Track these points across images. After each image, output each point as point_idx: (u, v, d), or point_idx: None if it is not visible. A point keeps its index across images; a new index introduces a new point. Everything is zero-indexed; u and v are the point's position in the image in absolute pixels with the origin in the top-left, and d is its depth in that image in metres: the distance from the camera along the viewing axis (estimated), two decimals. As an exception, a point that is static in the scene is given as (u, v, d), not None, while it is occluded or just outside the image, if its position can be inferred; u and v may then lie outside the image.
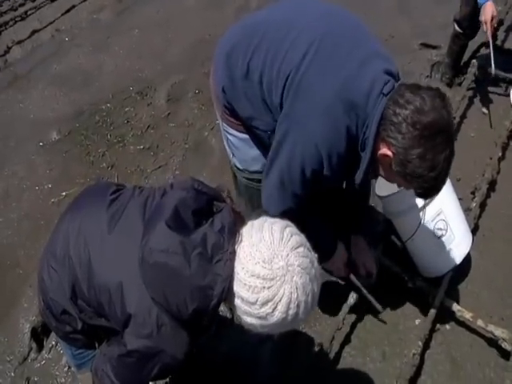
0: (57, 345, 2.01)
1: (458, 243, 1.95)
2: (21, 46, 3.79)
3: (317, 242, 1.65)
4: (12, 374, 1.97)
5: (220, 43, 1.60)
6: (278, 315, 0.93)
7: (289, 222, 1.03)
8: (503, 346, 1.81)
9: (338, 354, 1.91)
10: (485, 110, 2.89)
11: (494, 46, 2.69)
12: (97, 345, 1.25)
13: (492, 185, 2.44)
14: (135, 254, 1.02)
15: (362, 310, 2.00)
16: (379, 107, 1.23)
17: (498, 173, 2.50)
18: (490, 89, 2.99)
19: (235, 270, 0.96)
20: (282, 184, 1.45)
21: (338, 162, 1.35)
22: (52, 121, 3.11)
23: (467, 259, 2.04)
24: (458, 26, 2.78)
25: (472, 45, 3.06)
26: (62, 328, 1.23)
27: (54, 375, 1.96)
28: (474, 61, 2.96)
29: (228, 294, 0.97)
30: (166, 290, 0.99)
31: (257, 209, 1.84)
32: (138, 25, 3.92)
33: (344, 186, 1.85)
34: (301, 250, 0.97)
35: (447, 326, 1.98)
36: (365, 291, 1.90)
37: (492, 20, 2.47)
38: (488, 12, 2.46)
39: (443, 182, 1.29)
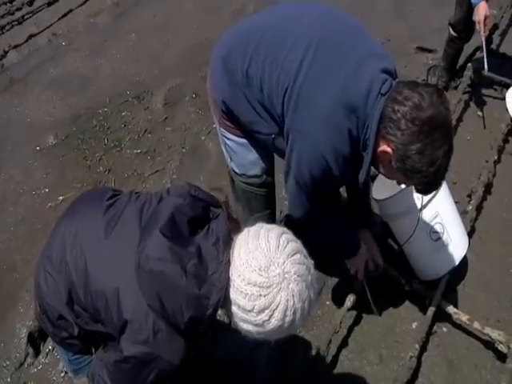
0: (53, 350, 2.00)
1: (455, 246, 1.95)
2: (17, 50, 3.79)
3: (342, 241, 1.65)
4: (8, 380, 1.96)
5: (216, 47, 1.60)
6: (274, 322, 0.94)
7: (285, 229, 1.03)
8: (499, 348, 1.82)
9: (336, 357, 1.91)
10: (480, 113, 2.90)
11: (488, 47, 2.71)
12: (93, 350, 1.25)
13: (488, 188, 2.45)
14: (132, 260, 1.03)
15: (359, 313, 2.00)
16: (378, 107, 1.24)
17: (494, 176, 2.51)
18: (486, 92, 3.01)
19: (232, 277, 0.96)
20: (300, 189, 1.49)
21: (345, 165, 1.38)
22: (49, 125, 3.10)
23: (464, 262, 2.05)
24: (453, 29, 2.80)
25: (468, 48, 3.08)
26: (58, 333, 1.23)
27: (50, 380, 1.95)
28: (470, 64, 2.98)
29: (225, 302, 0.97)
30: (161, 298, 0.99)
31: (254, 213, 1.84)
32: (135, 29, 3.92)
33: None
34: (297, 256, 0.97)
35: (444, 329, 1.98)
36: (369, 293, 1.91)
37: (485, 20, 2.49)
38: (481, 12, 2.48)
39: (442, 177, 1.30)
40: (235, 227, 1.05)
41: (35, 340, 2.06)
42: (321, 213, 1.59)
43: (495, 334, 1.83)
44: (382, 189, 1.87)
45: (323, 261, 1.69)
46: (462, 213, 2.21)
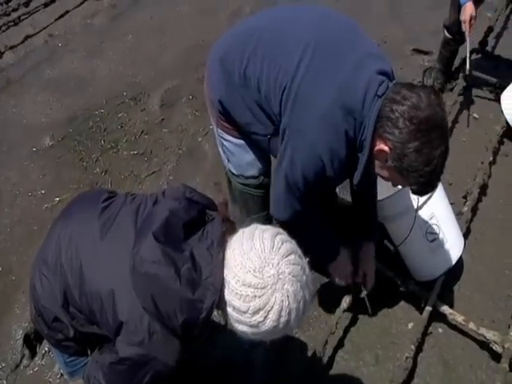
0: (49, 352, 2.00)
1: (450, 247, 1.96)
2: (14, 51, 3.78)
3: (319, 245, 1.61)
4: (4, 382, 1.96)
5: (213, 48, 1.61)
6: (269, 323, 0.94)
7: (280, 230, 1.03)
8: (494, 348, 1.83)
9: (332, 358, 1.92)
10: (476, 115, 2.92)
11: (472, 45, 2.73)
12: (89, 352, 1.25)
13: (483, 189, 2.47)
14: (127, 262, 1.03)
15: (355, 314, 2.01)
16: (375, 109, 1.26)
17: (490, 177, 2.53)
18: (481, 94, 3.03)
19: (227, 278, 0.96)
20: (289, 189, 1.48)
21: (339, 166, 1.38)
22: (45, 126, 3.10)
23: (459, 263, 2.06)
24: (448, 31, 2.82)
25: (463, 50, 3.09)
26: (53, 335, 1.23)
27: (46, 382, 1.95)
28: (466, 66, 2.99)
29: (220, 303, 0.97)
30: (156, 300, 0.99)
31: (251, 214, 1.85)
32: (132, 30, 3.92)
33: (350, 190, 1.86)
34: (292, 257, 0.97)
35: (439, 330, 2.00)
36: (365, 294, 1.91)
37: (471, 20, 2.53)
38: (467, 12, 2.51)
39: (438, 178, 1.31)
40: (230, 228, 1.05)
41: (31, 342, 2.06)
42: (303, 215, 1.56)
43: (490, 335, 1.84)
44: (378, 190, 1.88)
45: (318, 261, 1.70)
46: (458, 214, 2.22)
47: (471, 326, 1.88)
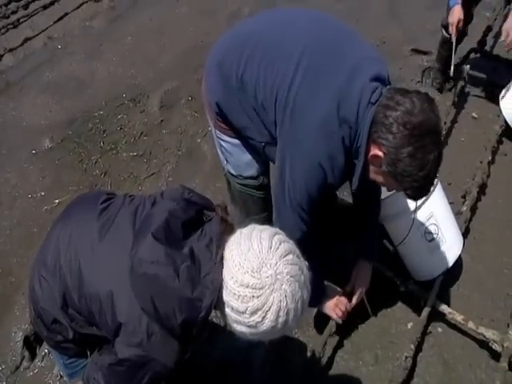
0: (49, 353, 2.00)
1: (449, 246, 1.97)
2: (13, 54, 3.79)
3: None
4: (4, 383, 1.96)
5: (212, 51, 1.61)
6: (267, 323, 0.94)
7: (278, 230, 1.04)
8: (494, 347, 1.83)
9: (331, 358, 1.92)
10: (475, 114, 2.92)
11: (456, 48, 2.76)
12: (88, 354, 1.25)
13: (482, 188, 2.47)
14: (125, 264, 1.03)
15: (354, 314, 2.01)
16: (368, 116, 1.27)
17: (488, 176, 2.53)
18: (480, 93, 3.03)
19: (225, 279, 0.97)
20: (295, 214, 1.49)
21: (340, 173, 1.39)
22: (44, 128, 3.11)
23: (458, 262, 2.06)
24: (446, 30, 2.82)
25: (462, 50, 3.10)
26: (53, 337, 1.23)
27: (46, 384, 1.95)
28: (464, 66, 2.99)
29: (218, 303, 0.98)
30: (155, 301, 1.00)
31: (251, 215, 1.85)
32: (131, 32, 3.93)
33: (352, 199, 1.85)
34: (290, 257, 0.97)
35: (439, 329, 2.00)
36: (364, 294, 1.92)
37: (458, 23, 2.55)
38: (455, 15, 2.55)
39: (432, 183, 1.32)
40: (229, 229, 1.05)
41: (31, 343, 2.06)
42: (310, 235, 1.55)
43: (489, 334, 1.84)
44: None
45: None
46: (457, 213, 2.22)
47: (470, 325, 1.88)
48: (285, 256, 0.96)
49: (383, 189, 1.80)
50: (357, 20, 3.80)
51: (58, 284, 1.15)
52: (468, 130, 2.84)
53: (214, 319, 1.90)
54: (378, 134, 1.25)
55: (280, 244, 0.98)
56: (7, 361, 2.01)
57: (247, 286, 0.93)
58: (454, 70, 2.74)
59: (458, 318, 1.91)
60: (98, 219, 1.15)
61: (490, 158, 2.56)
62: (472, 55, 3.17)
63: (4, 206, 2.66)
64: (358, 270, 1.88)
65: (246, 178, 1.73)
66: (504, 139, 2.76)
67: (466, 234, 2.25)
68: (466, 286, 2.12)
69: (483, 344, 1.89)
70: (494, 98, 2.90)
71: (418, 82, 3.22)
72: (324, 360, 1.90)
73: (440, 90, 3.10)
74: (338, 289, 1.90)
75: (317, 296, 1.78)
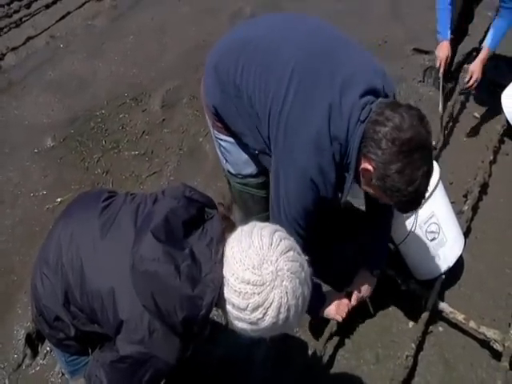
0: (51, 351, 2.01)
1: (451, 246, 1.97)
2: (15, 53, 3.80)
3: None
4: (6, 381, 1.96)
5: (210, 52, 1.61)
6: (268, 320, 0.94)
7: (278, 227, 1.04)
8: (495, 346, 1.83)
9: (332, 356, 1.93)
10: (476, 114, 2.92)
11: (444, 86, 2.72)
12: (90, 351, 1.25)
13: (484, 188, 2.47)
14: (127, 261, 1.03)
15: (355, 313, 2.01)
16: (358, 134, 1.28)
17: (490, 176, 2.53)
18: (482, 93, 3.02)
19: (226, 276, 0.97)
20: (286, 217, 1.49)
21: (332, 187, 1.41)
22: (47, 127, 3.11)
23: (459, 261, 2.06)
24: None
25: (463, 50, 3.10)
26: (55, 335, 1.23)
27: (48, 382, 1.95)
28: (466, 65, 2.99)
29: (219, 301, 0.98)
30: (156, 298, 1.00)
31: (252, 215, 1.85)
32: (133, 31, 3.94)
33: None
34: (290, 254, 0.97)
35: (440, 328, 2.00)
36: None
37: (446, 60, 2.56)
38: (444, 51, 2.56)
39: (422, 197, 1.32)
40: (230, 226, 1.06)
41: (33, 341, 2.07)
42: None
43: (491, 333, 1.84)
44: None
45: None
46: (458, 213, 2.22)
47: (472, 324, 1.88)
48: (285, 253, 0.97)
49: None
50: (359, 20, 3.80)
51: (59, 282, 1.15)
52: (470, 130, 2.83)
53: (216, 317, 1.91)
54: (367, 148, 1.26)
55: (280, 241, 0.98)
56: (9, 358, 2.02)
57: (248, 283, 0.93)
58: (444, 107, 2.68)
59: (460, 317, 1.91)
60: (100, 217, 1.16)
61: (491, 157, 2.57)
62: (474, 54, 3.16)
63: (6, 204, 2.66)
64: (361, 277, 1.88)
65: (246, 176, 1.73)
66: (506, 139, 2.76)
67: (467, 233, 2.25)
68: (467, 286, 2.12)
69: (484, 343, 1.89)
70: (495, 98, 2.90)
71: (420, 81, 3.22)
72: (325, 358, 1.90)
73: (442, 89, 3.10)
74: (336, 292, 1.90)
75: (317, 304, 1.78)
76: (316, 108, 1.32)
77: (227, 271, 0.97)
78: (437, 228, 1.92)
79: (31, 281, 1.24)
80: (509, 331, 1.84)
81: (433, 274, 2.00)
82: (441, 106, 2.65)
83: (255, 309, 0.94)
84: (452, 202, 2.07)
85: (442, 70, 2.62)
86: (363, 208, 1.80)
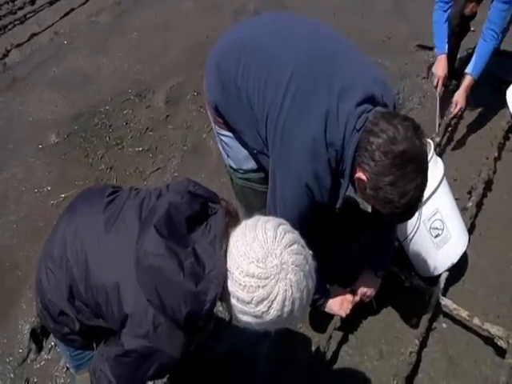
0: (56, 346, 2.02)
1: (455, 242, 1.96)
2: (20, 50, 3.81)
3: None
4: (11, 375, 1.98)
5: (213, 49, 1.62)
6: (273, 313, 0.95)
7: (282, 220, 1.04)
8: (499, 343, 1.82)
9: (336, 352, 1.93)
10: (481, 110, 2.90)
11: (441, 105, 2.65)
12: (95, 346, 1.26)
13: (488, 184, 2.46)
14: (131, 255, 1.04)
15: (359, 309, 2.01)
16: (353, 142, 1.28)
17: (495, 173, 2.52)
18: (486, 89, 3.01)
19: (230, 269, 0.97)
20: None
21: (327, 192, 1.41)
22: (51, 123, 3.12)
23: (464, 258, 2.06)
24: (448, 24, 2.80)
25: (468, 45, 3.08)
26: (59, 329, 1.24)
27: (53, 376, 1.97)
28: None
29: (223, 294, 0.98)
30: (159, 293, 1.00)
31: (254, 210, 1.84)
32: (137, 27, 3.94)
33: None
34: (294, 247, 0.98)
35: (444, 325, 1.99)
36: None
37: (444, 78, 2.55)
38: (441, 68, 2.54)
39: (415, 208, 1.32)
40: (233, 221, 1.06)
41: (38, 336, 2.08)
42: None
43: (495, 330, 1.83)
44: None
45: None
46: (462, 209, 2.21)
47: (476, 321, 1.88)
48: (290, 246, 0.97)
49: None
50: (362, 16, 3.79)
51: (64, 276, 1.16)
52: (474, 126, 2.82)
53: (220, 314, 1.91)
54: (361, 158, 1.27)
55: (285, 234, 0.98)
56: (14, 353, 2.03)
57: (253, 276, 0.94)
58: (440, 124, 2.63)
59: (463, 313, 1.91)
60: (104, 212, 1.16)
61: (496, 154, 2.55)
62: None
63: (11, 200, 2.68)
64: (365, 278, 1.88)
65: (247, 171, 1.73)
66: (511, 135, 2.74)
67: (471, 229, 2.24)
68: (471, 282, 2.11)
69: (488, 340, 1.89)
70: (500, 94, 2.88)
71: (424, 77, 3.20)
72: (329, 354, 1.90)
73: (446, 86, 3.08)
74: (341, 288, 1.90)
75: (320, 298, 1.78)
76: (313, 114, 1.33)
77: (231, 265, 0.97)
78: (441, 224, 1.92)
79: (36, 276, 1.24)
80: (513, 328, 1.84)
81: (437, 271, 1.99)
82: (437, 126, 2.62)
83: (260, 302, 0.94)
84: (456, 199, 2.06)
85: (439, 89, 2.60)
86: (369, 209, 1.80)
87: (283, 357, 1.93)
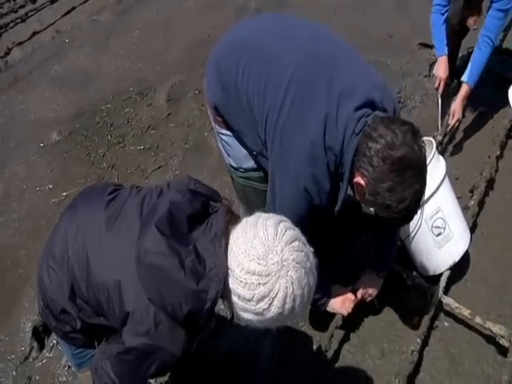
0: (58, 344, 2.02)
1: (457, 241, 1.96)
2: (21, 48, 3.82)
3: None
4: (13, 373, 1.98)
5: (213, 49, 1.61)
6: (274, 310, 0.94)
7: (283, 217, 1.04)
8: (501, 342, 1.82)
9: (337, 351, 1.92)
10: (483, 108, 2.89)
11: (443, 107, 2.62)
12: (96, 344, 1.26)
13: (490, 183, 2.45)
14: (132, 253, 1.04)
15: (361, 307, 2.01)
16: (352, 146, 1.28)
17: (497, 171, 2.51)
18: (489, 88, 3.00)
19: (231, 267, 0.97)
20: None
21: (326, 196, 1.41)
22: (52, 121, 3.13)
23: (465, 257, 2.05)
24: (448, 23, 2.79)
25: (470, 43, 3.07)
26: (61, 327, 1.24)
27: (55, 374, 1.97)
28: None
29: (224, 292, 0.98)
30: (160, 291, 1.00)
31: (255, 208, 1.84)
32: (138, 26, 3.94)
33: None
34: (295, 244, 0.97)
35: (445, 323, 1.99)
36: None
37: (446, 79, 2.52)
38: (442, 70, 2.50)
39: (413, 213, 1.33)
40: (234, 219, 1.06)
41: (40, 334, 2.09)
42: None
43: (496, 329, 1.83)
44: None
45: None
46: (464, 208, 2.21)
47: (477, 320, 1.87)
48: (290, 243, 0.97)
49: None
50: (364, 14, 3.78)
51: (66, 274, 1.16)
52: (476, 125, 2.81)
53: (221, 312, 1.92)
54: (360, 163, 1.27)
55: (286, 231, 0.98)
56: (17, 351, 2.04)
57: (253, 274, 0.93)
58: (442, 133, 2.59)
59: (465, 312, 1.91)
60: (105, 210, 1.16)
61: (498, 152, 2.54)
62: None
63: (13, 198, 2.68)
64: (367, 278, 1.88)
65: (247, 170, 1.73)
66: (513, 134, 2.74)
67: (473, 228, 2.23)
68: (473, 281, 2.11)
69: (490, 339, 1.88)
70: (502, 92, 2.88)
71: (426, 76, 3.19)
72: (330, 353, 1.90)
73: (448, 84, 3.07)
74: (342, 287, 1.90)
75: (322, 297, 1.78)
76: (312, 118, 1.32)
77: (232, 262, 0.97)
78: (443, 223, 1.91)
79: (37, 274, 1.24)
80: (515, 327, 1.84)
81: (438, 270, 1.99)
82: (439, 126, 2.61)
83: (261, 299, 0.94)
84: (458, 198, 2.05)
85: (440, 90, 2.58)
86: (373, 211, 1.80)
87: (285, 355, 1.93)
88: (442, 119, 2.63)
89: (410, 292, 2.04)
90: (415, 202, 1.27)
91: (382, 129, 1.23)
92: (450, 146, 2.71)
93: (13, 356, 2.03)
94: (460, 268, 2.08)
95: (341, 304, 1.81)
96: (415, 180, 1.23)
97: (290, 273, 0.94)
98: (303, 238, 1.01)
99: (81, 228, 1.17)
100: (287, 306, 0.95)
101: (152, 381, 1.80)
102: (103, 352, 1.16)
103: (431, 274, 2.01)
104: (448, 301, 1.95)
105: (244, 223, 1.02)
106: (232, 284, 0.97)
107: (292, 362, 1.91)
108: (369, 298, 1.89)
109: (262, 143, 1.50)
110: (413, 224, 1.87)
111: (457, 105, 2.48)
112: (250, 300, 0.95)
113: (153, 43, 3.73)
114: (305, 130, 1.33)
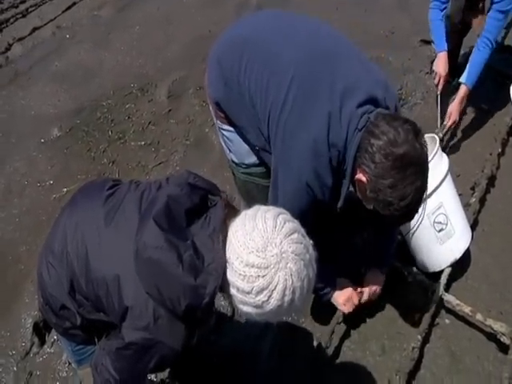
0: (58, 339, 2.02)
1: (458, 238, 1.96)
2: (22, 43, 3.81)
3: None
4: (14, 369, 1.99)
5: (215, 44, 1.61)
6: (273, 303, 0.94)
7: (282, 210, 1.04)
8: (502, 339, 1.82)
9: (338, 348, 1.92)
10: (485, 105, 2.89)
11: (443, 106, 2.61)
12: (96, 340, 1.26)
13: (491, 180, 2.45)
14: (131, 248, 1.03)
15: (361, 304, 2.01)
16: (355, 142, 1.28)
17: (498, 168, 2.51)
18: (490, 85, 2.99)
19: (230, 259, 0.97)
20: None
21: (329, 191, 1.41)
22: (53, 117, 3.12)
23: (466, 254, 2.05)
24: (449, 21, 2.78)
25: (471, 41, 3.06)
26: (61, 324, 1.24)
27: (55, 369, 1.97)
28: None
29: (223, 285, 0.98)
30: (159, 286, 1.00)
31: (256, 203, 1.84)
32: (139, 21, 3.93)
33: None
34: (295, 236, 0.97)
35: (446, 320, 1.99)
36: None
37: (446, 76, 2.50)
38: (442, 66, 2.49)
39: (414, 211, 1.32)
40: (233, 212, 1.05)
41: (40, 330, 2.09)
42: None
43: (497, 326, 1.83)
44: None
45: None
46: (466, 205, 2.20)
47: (478, 317, 1.87)
48: (290, 235, 0.96)
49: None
50: (365, 10, 3.77)
51: (65, 270, 1.16)
52: (478, 122, 2.81)
53: (222, 308, 1.91)
54: (362, 160, 1.27)
55: (285, 223, 0.97)
56: (17, 347, 2.04)
57: (252, 266, 0.93)
58: (442, 131, 2.55)
59: (466, 309, 1.90)
60: (104, 205, 1.16)
61: (499, 149, 2.54)
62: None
63: (13, 194, 2.68)
64: (371, 276, 1.88)
65: (249, 165, 1.73)
66: (514, 131, 2.73)
67: (474, 225, 2.23)
68: (474, 278, 2.11)
69: (491, 336, 1.88)
70: (504, 89, 2.87)
71: (427, 72, 3.18)
72: (331, 350, 1.90)
73: (449, 82, 3.07)
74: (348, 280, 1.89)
75: (326, 288, 1.77)
76: (315, 115, 1.32)
77: (231, 255, 0.96)
78: (445, 219, 1.91)
79: (37, 270, 1.24)
80: (516, 324, 1.84)
81: (439, 266, 1.99)
82: (439, 123, 2.60)
83: (260, 292, 0.93)
84: (459, 195, 2.05)
85: (440, 86, 2.57)
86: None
87: (285, 351, 1.93)
88: (442, 117, 2.63)
89: (411, 289, 2.04)
90: (417, 199, 1.26)
91: (385, 126, 1.23)
92: (451, 143, 2.71)
93: (14, 351, 2.03)
94: (461, 265, 2.08)
95: (344, 301, 1.80)
96: (417, 177, 1.23)
97: (289, 265, 0.93)
98: (302, 231, 1.01)
99: (80, 223, 1.17)
100: (286, 299, 0.94)
101: (153, 376, 1.81)
102: (103, 348, 1.16)
103: (432, 270, 2.01)
104: (449, 298, 1.94)
105: (243, 216, 1.01)
106: (231, 277, 0.96)
107: (292, 358, 1.91)
108: (374, 297, 1.88)
109: (265, 138, 1.50)
110: (415, 219, 1.85)
111: (454, 106, 2.47)
112: (249, 292, 0.94)
113: (154, 39, 3.72)
114: (307, 128, 1.33)
